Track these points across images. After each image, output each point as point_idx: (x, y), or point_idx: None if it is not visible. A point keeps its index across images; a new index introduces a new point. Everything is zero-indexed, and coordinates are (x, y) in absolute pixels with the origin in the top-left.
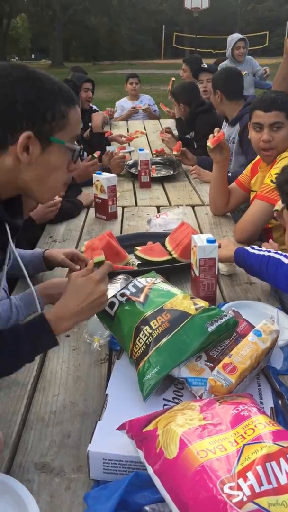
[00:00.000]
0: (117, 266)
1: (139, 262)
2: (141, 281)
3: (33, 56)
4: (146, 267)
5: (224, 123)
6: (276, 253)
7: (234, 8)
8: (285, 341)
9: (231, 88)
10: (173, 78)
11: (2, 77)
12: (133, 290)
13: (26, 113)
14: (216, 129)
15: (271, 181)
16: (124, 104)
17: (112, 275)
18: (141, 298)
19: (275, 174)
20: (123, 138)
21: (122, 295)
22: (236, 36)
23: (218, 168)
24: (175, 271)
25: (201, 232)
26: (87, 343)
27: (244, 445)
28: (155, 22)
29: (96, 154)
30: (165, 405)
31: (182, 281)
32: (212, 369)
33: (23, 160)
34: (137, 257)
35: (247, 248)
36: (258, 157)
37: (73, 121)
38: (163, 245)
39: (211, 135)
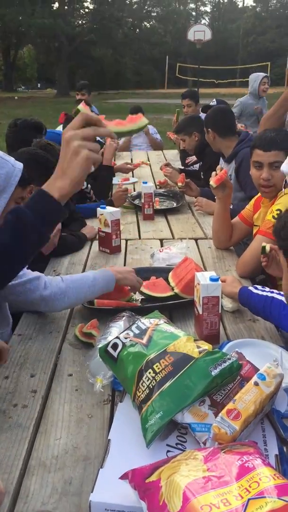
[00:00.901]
0: (121, 302)
1: (143, 297)
2: (145, 322)
3: (39, 85)
4: (149, 303)
5: (221, 160)
6: (279, 294)
7: (236, 39)
8: None
9: (222, 126)
10: (178, 109)
11: None
12: (137, 331)
13: None
14: (219, 167)
15: (273, 217)
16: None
17: (115, 312)
18: (145, 340)
19: (276, 210)
20: (128, 166)
21: (126, 336)
22: (261, 74)
23: (220, 204)
24: (178, 307)
25: (204, 266)
26: (89, 383)
27: (248, 499)
28: (159, 53)
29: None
30: (168, 451)
31: (186, 317)
32: (216, 414)
33: None
34: (140, 292)
35: (251, 288)
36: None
37: None
38: (166, 280)
39: (213, 173)
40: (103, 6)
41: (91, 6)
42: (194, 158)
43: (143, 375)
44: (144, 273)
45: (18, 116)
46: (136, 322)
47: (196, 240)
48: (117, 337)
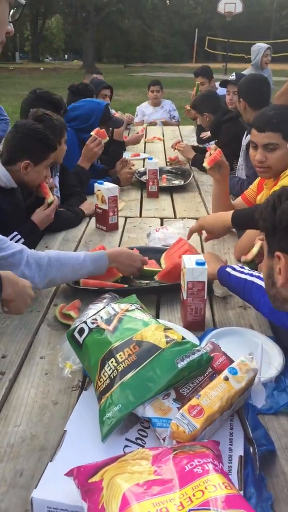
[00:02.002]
0: (105, 283)
1: (132, 276)
2: (115, 307)
3: (66, 56)
4: (137, 279)
5: (246, 134)
6: (259, 278)
7: (269, 12)
8: (269, 377)
9: (255, 96)
10: (198, 82)
11: None
12: (105, 317)
13: None
14: (213, 146)
15: None
16: (144, 109)
17: (99, 293)
18: (111, 327)
19: None
20: (139, 132)
21: (93, 321)
22: (264, 45)
23: (218, 185)
24: (166, 291)
25: (202, 248)
26: (60, 367)
27: (189, 510)
28: (188, 26)
29: (95, 132)
30: (126, 446)
31: (174, 302)
32: (180, 408)
33: None
34: None
35: (229, 269)
36: None
37: None
38: (159, 261)
39: (207, 154)
40: None
41: None
42: (208, 133)
43: (105, 364)
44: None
45: (41, 87)
46: (106, 306)
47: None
48: (84, 322)
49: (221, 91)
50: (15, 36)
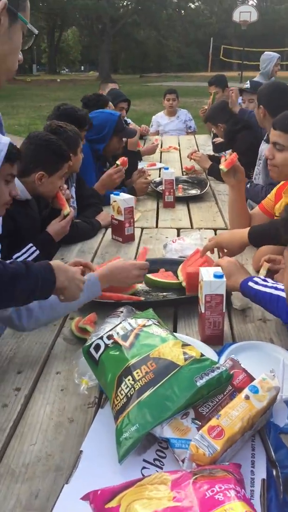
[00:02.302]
0: (122, 296)
1: (149, 289)
2: (131, 322)
3: (82, 68)
4: (155, 291)
5: (263, 142)
6: (283, 290)
7: (284, 20)
8: None
9: (275, 104)
10: (214, 91)
11: None
12: (121, 332)
13: None
14: (229, 151)
15: None
16: (160, 120)
17: (115, 306)
18: (128, 343)
19: None
20: (154, 142)
21: (109, 337)
22: (275, 54)
23: (233, 191)
24: (184, 303)
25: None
26: (76, 383)
27: None
28: (203, 35)
29: (120, 162)
30: (143, 468)
31: (191, 315)
32: (199, 429)
33: None
34: (147, 283)
35: (251, 284)
36: (283, 182)
37: (29, 10)
38: (175, 273)
39: (223, 158)
40: None
41: None
42: (221, 139)
43: (122, 382)
44: (154, 265)
45: (58, 98)
46: (123, 322)
47: (215, 230)
48: (101, 337)
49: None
50: (32, 48)
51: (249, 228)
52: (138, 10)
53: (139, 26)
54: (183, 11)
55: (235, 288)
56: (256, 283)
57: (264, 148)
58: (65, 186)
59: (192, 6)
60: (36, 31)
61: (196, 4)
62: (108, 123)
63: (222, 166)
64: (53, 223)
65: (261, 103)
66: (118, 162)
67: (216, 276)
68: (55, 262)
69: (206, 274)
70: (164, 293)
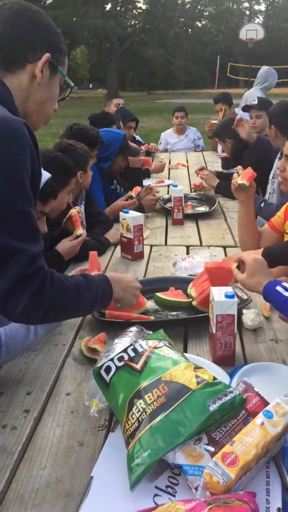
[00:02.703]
0: (131, 315)
1: (158, 308)
2: (142, 344)
3: (90, 85)
4: (164, 310)
5: (277, 159)
6: None
7: None
8: None
9: (287, 124)
10: (224, 108)
11: (25, 7)
12: (132, 354)
13: (47, 38)
14: (239, 167)
15: None
16: (169, 138)
17: (125, 326)
18: (139, 365)
19: None
20: (162, 161)
21: (120, 359)
22: (274, 70)
23: (243, 206)
24: (194, 322)
25: None
26: (86, 405)
27: None
28: (210, 53)
29: (134, 193)
30: (155, 495)
31: (202, 335)
32: (212, 455)
33: (38, 79)
34: (157, 301)
35: (280, 289)
36: None
37: (67, 64)
38: (185, 292)
39: (235, 174)
40: (156, 7)
41: (143, 7)
42: (224, 154)
43: (133, 406)
44: (163, 283)
45: (66, 115)
46: (134, 343)
47: (224, 248)
48: (111, 359)
49: (243, 115)
50: None
51: (262, 250)
52: (146, 29)
53: (147, 44)
54: (190, 30)
55: (256, 290)
56: (286, 289)
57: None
58: (81, 208)
59: (199, 24)
60: (72, 84)
61: (203, 22)
62: (114, 142)
63: (244, 181)
64: (63, 241)
65: (273, 123)
66: (132, 194)
67: (227, 296)
68: (110, 274)
69: (217, 293)
70: (174, 312)
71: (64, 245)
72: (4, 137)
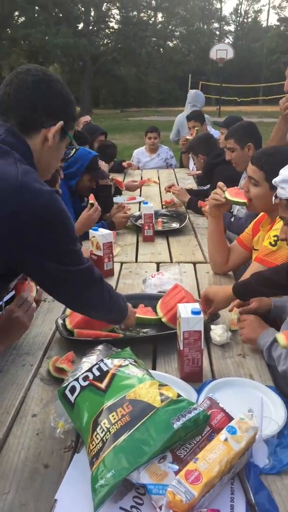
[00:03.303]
0: (100, 333)
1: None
2: (107, 362)
3: None
4: (134, 328)
5: (243, 175)
6: None
7: (260, 58)
8: (271, 434)
9: (259, 139)
10: (196, 128)
11: (48, 76)
12: (97, 373)
13: (63, 108)
14: (220, 183)
15: (270, 243)
16: (141, 156)
17: (93, 344)
18: (104, 384)
19: (273, 236)
20: (135, 184)
21: (85, 378)
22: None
23: (215, 222)
24: (163, 339)
25: (199, 292)
26: (52, 427)
27: None
28: (182, 71)
29: (91, 199)
30: None
31: (171, 352)
32: (177, 473)
33: (49, 142)
34: None
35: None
36: (260, 215)
37: (74, 128)
38: (155, 308)
39: (218, 190)
40: (128, 26)
41: (116, 26)
42: (195, 172)
43: (98, 426)
44: (133, 300)
45: None
46: (99, 362)
47: (194, 264)
48: (76, 379)
49: (214, 133)
50: None
51: (232, 285)
52: (118, 48)
53: (119, 63)
54: (161, 49)
55: (255, 344)
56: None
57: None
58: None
59: (171, 44)
60: (78, 147)
61: (175, 42)
62: (81, 159)
63: (229, 195)
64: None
65: (250, 141)
66: (91, 201)
67: (193, 312)
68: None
69: (184, 310)
70: (144, 330)
71: (83, 216)
72: (52, 208)
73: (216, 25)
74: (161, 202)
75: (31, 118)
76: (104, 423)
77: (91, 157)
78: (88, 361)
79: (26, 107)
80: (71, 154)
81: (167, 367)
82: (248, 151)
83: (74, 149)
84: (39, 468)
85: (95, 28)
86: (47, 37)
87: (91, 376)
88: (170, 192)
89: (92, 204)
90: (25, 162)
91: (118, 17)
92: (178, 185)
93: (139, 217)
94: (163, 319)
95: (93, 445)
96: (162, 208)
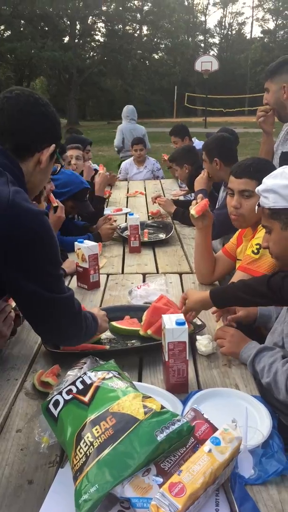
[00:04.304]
0: (86, 346)
1: (113, 337)
2: (91, 375)
3: None
4: (120, 339)
5: (222, 188)
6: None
7: (244, 69)
8: (256, 444)
9: (228, 154)
10: (164, 156)
11: (38, 101)
12: (80, 387)
13: (53, 131)
14: (200, 195)
15: (252, 251)
16: (129, 167)
17: (78, 357)
18: (87, 398)
19: (256, 244)
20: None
21: (68, 392)
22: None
23: (201, 234)
24: (149, 351)
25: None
26: (37, 441)
27: None
28: (168, 83)
29: (53, 202)
30: None
31: (157, 363)
32: (161, 486)
33: (42, 165)
34: (112, 331)
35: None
36: None
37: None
38: (140, 320)
39: (194, 202)
40: (113, 39)
41: (101, 39)
42: (179, 192)
43: (81, 440)
44: (119, 312)
45: None
46: (82, 375)
47: (180, 274)
48: (60, 393)
49: (198, 144)
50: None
51: (209, 291)
52: (104, 60)
53: (105, 75)
54: (147, 62)
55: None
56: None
57: (224, 195)
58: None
59: (156, 56)
60: (63, 163)
61: (160, 54)
62: (72, 185)
63: (193, 212)
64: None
65: (215, 156)
66: (54, 205)
67: (178, 323)
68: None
69: (168, 321)
70: (129, 341)
71: (52, 219)
72: (40, 228)
73: (201, 37)
74: (148, 213)
75: (25, 144)
76: (88, 437)
77: (83, 187)
78: (73, 374)
79: (20, 133)
80: (58, 169)
81: (153, 378)
82: (216, 165)
83: (60, 165)
84: (23, 484)
85: (81, 41)
86: (33, 51)
87: (74, 390)
88: (156, 203)
89: (56, 207)
90: (16, 184)
91: (103, 30)
92: (164, 195)
93: (125, 228)
94: (149, 332)
95: (76, 459)
96: (149, 219)
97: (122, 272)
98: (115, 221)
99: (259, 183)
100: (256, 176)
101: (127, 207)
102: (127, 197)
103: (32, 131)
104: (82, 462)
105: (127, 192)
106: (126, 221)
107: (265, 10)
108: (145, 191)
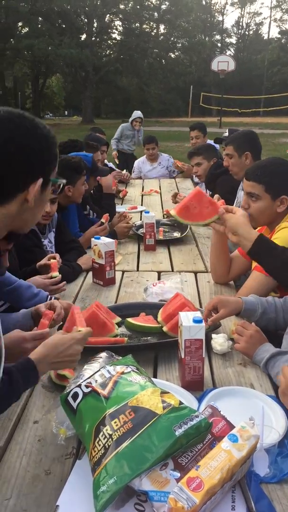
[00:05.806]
0: (102, 340)
1: (129, 333)
2: (110, 369)
3: (66, 112)
4: (135, 336)
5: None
6: None
7: (261, 70)
8: (272, 442)
9: (258, 149)
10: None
11: (19, 127)
12: (100, 380)
13: (39, 163)
14: (216, 196)
15: None
16: (142, 165)
17: (96, 351)
18: (106, 391)
19: None
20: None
21: (87, 385)
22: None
23: (217, 235)
24: (165, 347)
25: (200, 302)
26: (54, 433)
27: None
28: (183, 82)
29: (104, 219)
30: None
31: (172, 360)
32: (178, 480)
33: (30, 204)
34: (127, 327)
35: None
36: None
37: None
38: (156, 317)
39: (177, 196)
40: (130, 38)
41: (118, 38)
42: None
43: (100, 432)
44: (133, 309)
45: None
46: (101, 369)
47: (195, 273)
48: (79, 386)
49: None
50: (17, 94)
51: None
52: (120, 59)
53: (121, 73)
54: (163, 61)
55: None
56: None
57: (242, 195)
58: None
59: (173, 56)
60: (64, 181)
61: (176, 54)
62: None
63: (173, 212)
64: (36, 278)
65: (247, 150)
66: (102, 220)
67: (195, 321)
68: (38, 350)
69: (185, 318)
70: (145, 338)
71: (36, 281)
72: None
73: (217, 37)
74: (162, 211)
75: (1, 189)
76: (106, 430)
77: (90, 159)
78: (90, 368)
79: None
80: (61, 188)
81: (168, 375)
82: (245, 159)
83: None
84: (40, 475)
85: (97, 39)
86: (50, 48)
87: (93, 383)
88: (178, 201)
89: (102, 223)
90: None
91: (120, 28)
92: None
93: (141, 226)
94: (164, 329)
95: (95, 451)
96: (164, 218)
97: (137, 270)
98: (130, 219)
99: (267, 187)
100: (263, 181)
101: (142, 205)
102: (142, 196)
103: (11, 172)
104: (100, 454)
105: (142, 190)
106: (141, 219)
107: (284, 10)
108: (160, 189)
